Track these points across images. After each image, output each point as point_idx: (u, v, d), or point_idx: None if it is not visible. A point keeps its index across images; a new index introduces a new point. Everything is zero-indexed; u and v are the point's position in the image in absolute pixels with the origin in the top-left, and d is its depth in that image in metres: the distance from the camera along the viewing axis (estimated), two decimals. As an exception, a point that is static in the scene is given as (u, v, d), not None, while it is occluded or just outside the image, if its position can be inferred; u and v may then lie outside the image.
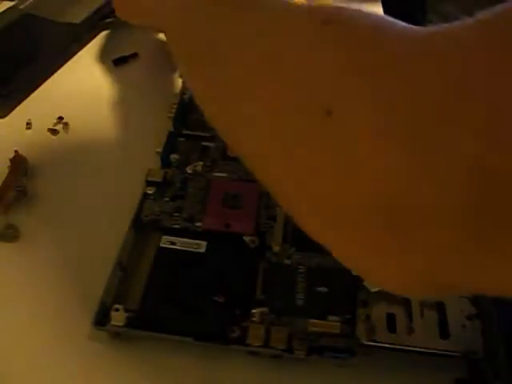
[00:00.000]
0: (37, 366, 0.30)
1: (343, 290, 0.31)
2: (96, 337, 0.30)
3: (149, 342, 0.30)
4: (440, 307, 0.31)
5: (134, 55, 0.49)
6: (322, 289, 0.31)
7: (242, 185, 0.37)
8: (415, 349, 0.29)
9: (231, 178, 0.37)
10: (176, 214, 0.35)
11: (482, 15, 0.16)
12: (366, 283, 0.31)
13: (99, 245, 0.34)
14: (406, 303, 0.31)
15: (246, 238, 0.33)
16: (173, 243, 0.33)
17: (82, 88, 0.46)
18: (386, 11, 0.57)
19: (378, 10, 0.56)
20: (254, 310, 0.30)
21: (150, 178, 0.36)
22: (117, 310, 0.30)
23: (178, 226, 0.34)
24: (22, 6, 0.48)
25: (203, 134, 0.39)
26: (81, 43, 0.50)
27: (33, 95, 0.45)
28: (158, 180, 0.36)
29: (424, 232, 0.17)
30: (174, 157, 0.38)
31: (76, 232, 0.36)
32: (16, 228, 0.35)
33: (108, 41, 0.51)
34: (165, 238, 0.33)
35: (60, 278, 0.33)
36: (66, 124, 0.43)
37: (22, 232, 0.35)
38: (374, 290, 0.30)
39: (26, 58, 0.45)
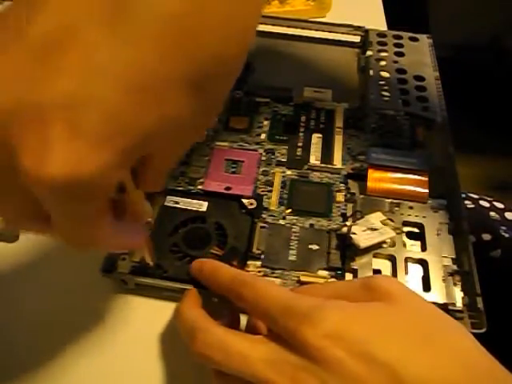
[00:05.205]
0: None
1: (332, 247, 0.34)
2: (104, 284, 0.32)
3: (151, 288, 0.32)
4: (423, 264, 0.33)
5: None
6: (314, 246, 0.34)
7: (242, 153, 0.39)
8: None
9: (232, 147, 0.39)
10: (180, 178, 0.37)
11: None
12: (354, 241, 0.33)
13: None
14: (391, 260, 0.33)
15: (245, 201, 0.36)
16: (176, 202, 0.36)
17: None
18: (386, 8, 0.58)
19: (378, 9, 0.58)
20: (249, 262, 0.33)
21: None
22: (123, 259, 0.32)
23: (181, 188, 0.37)
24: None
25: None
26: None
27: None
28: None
29: None
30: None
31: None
32: (16, 228, 0.34)
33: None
34: (169, 197, 0.36)
35: (59, 278, 0.34)
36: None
37: (21, 232, 0.35)
38: (361, 247, 0.33)
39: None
